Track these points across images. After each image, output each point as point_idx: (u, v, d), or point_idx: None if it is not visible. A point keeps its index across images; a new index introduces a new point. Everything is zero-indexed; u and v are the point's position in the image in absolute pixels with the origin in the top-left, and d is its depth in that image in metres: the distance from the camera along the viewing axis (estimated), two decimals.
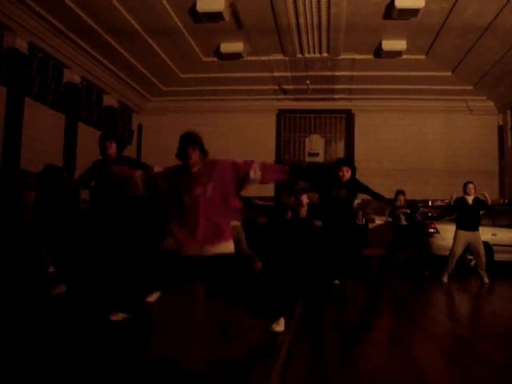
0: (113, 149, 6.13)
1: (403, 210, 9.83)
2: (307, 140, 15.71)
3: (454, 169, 14.30)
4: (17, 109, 9.81)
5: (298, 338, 4.01)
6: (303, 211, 8.67)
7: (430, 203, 13.36)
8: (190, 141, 4.12)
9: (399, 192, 9.87)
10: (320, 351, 3.68)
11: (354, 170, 6.95)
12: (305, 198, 8.59)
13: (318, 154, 15.38)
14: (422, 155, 14.88)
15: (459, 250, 8.63)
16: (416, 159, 14.83)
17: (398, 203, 9.65)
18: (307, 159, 15.31)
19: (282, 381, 2.95)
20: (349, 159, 7.21)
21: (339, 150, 15.66)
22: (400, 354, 3.64)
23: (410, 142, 14.99)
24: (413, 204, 10.18)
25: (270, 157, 15.43)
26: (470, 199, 8.77)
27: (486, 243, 10.15)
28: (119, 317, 4.03)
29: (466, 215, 8.71)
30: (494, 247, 10.29)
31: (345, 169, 6.75)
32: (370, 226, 12.98)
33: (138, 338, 4.07)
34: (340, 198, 6.71)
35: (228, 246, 3.99)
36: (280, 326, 4.01)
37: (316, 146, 15.47)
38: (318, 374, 3.12)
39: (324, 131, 15.80)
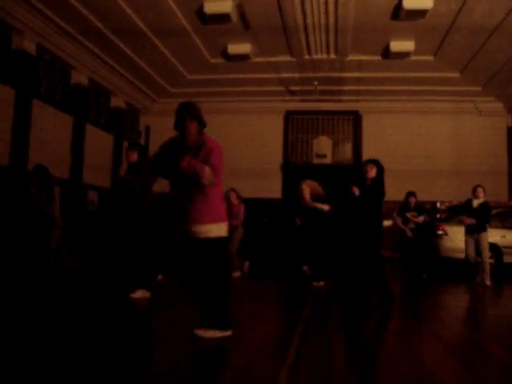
0: (134, 157, 6.38)
1: (411, 214, 9.74)
2: (315, 141, 15.68)
3: (463, 170, 14.22)
4: (25, 110, 9.85)
5: (305, 338, 3.99)
6: (307, 201, 8.46)
7: (438, 205, 13.31)
8: (188, 112, 4.03)
9: (410, 194, 9.85)
10: (328, 352, 3.66)
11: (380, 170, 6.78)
12: (306, 189, 8.38)
13: (325, 156, 15.35)
14: (430, 157, 14.80)
15: (471, 253, 8.61)
16: (424, 160, 14.75)
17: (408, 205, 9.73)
18: (315, 161, 15.29)
19: (290, 381, 2.94)
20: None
21: (347, 151, 15.60)
22: (408, 355, 3.62)
23: (418, 144, 14.92)
24: (421, 208, 10.11)
25: (277, 158, 15.43)
26: (476, 203, 8.70)
27: (494, 245, 10.11)
28: (138, 294, 4.06)
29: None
30: (503, 249, 10.23)
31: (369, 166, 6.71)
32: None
33: (144, 336, 4.07)
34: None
35: (210, 230, 3.92)
36: (207, 333, 3.89)
37: (323, 148, 15.44)
38: (326, 375, 3.10)
39: (332, 132, 15.75)
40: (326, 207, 7.96)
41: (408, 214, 9.76)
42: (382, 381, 3.08)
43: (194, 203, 3.94)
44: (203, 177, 3.78)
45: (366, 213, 6.53)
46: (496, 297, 7.99)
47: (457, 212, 9.32)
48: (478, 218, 8.61)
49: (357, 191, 6.63)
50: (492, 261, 10.14)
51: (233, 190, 9.88)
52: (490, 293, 8.11)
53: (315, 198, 8.24)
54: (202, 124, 4.07)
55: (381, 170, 6.73)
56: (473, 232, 8.62)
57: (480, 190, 8.78)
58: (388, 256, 10.08)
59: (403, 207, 9.96)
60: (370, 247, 6.39)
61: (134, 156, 6.35)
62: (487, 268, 8.54)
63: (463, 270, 9.03)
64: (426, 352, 3.78)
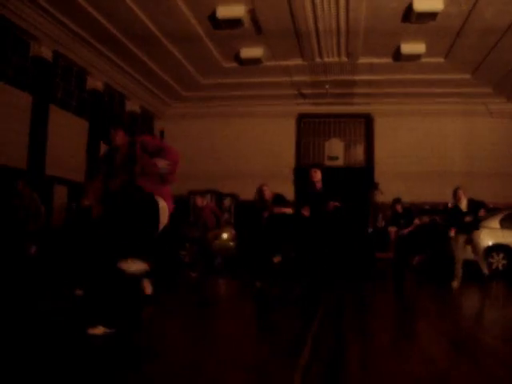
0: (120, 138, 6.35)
1: (402, 218, 9.83)
2: (327, 144, 15.76)
3: (474, 171, 14.19)
4: (42, 115, 10.06)
5: (319, 339, 4.04)
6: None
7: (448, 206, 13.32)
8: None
9: (396, 200, 10.00)
10: (341, 352, 3.70)
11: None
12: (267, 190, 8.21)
13: (337, 158, 15.42)
14: (441, 158, 14.79)
15: (461, 254, 8.52)
16: (436, 162, 14.74)
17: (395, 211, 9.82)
18: (327, 163, 15.34)
19: (304, 382, 2.98)
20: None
21: (359, 153, 15.65)
22: (421, 355, 3.63)
23: (430, 145, 14.92)
24: (409, 211, 10.18)
25: (289, 160, 15.51)
26: (462, 205, 8.60)
27: (507, 246, 10.09)
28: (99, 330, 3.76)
29: (462, 221, 8.57)
30: None
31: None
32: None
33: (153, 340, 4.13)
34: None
35: None
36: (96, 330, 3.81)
37: (335, 150, 15.52)
38: (340, 375, 3.15)
39: (343, 135, 15.82)
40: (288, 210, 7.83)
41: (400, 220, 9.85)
42: (395, 381, 3.11)
43: None
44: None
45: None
46: (508, 298, 7.97)
47: (450, 220, 9.14)
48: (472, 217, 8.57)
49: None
50: (504, 262, 10.14)
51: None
52: (500, 293, 8.10)
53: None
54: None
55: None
56: (465, 231, 8.48)
57: (461, 191, 8.66)
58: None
59: (394, 216, 10.04)
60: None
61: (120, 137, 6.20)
62: (482, 260, 8.57)
63: (473, 271, 8.99)
64: (437, 352, 3.80)
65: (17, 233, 8.19)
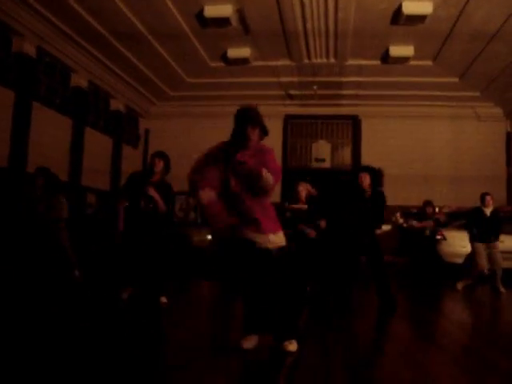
0: (159, 166, 6.41)
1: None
2: (314, 145, 15.71)
3: (462, 175, 14.24)
4: (24, 112, 9.84)
5: (303, 345, 3.97)
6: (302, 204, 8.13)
7: (436, 210, 13.30)
8: (250, 119, 3.89)
9: (427, 203, 10.09)
10: (328, 362, 3.63)
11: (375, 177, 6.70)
12: (303, 190, 8.07)
13: (324, 160, 15.37)
14: (429, 161, 14.81)
15: (485, 262, 8.50)
16: (423, 165, 14.76)
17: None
18: (314, 165, 15.30)
19: None
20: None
21: (346, 155, 15.61)
22: (411, 365, 3.60)
23: (417, 148, 14.92)
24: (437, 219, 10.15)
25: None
26: (487, 211, 8.66)
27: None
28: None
29: (484, 228, 8.62)
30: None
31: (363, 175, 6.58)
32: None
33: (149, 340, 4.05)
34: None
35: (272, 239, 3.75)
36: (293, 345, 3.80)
37: (322, 152, 15.47)
38: (325, 378, 3.09)
39: (331, 137, 15.77)
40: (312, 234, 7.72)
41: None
42: None
43: (252, 211, 3.77)
44: (262, 176, 3.67)
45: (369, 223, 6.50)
46: (500, 304, 7.96)
47: (469, 221, 9.10)
48: (494, 227, 8.62)
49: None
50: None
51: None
52: (495, 300, 8.08)
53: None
54: (265, 131, 4.07)
55: (376, 176, 6.61)
56: (486, 241, 8.57)
57: (489, 198, 8.76)
58: (390, 261, 10.05)
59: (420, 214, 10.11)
60: (375, 254, 6.36)
61: (161, 165, 6.37)
62: (500, 276, 8.53)
63: (461, 275, 9.00)
64: (426, 357, 3.77)
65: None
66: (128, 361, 3.43)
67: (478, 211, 8.82)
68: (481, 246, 8.57)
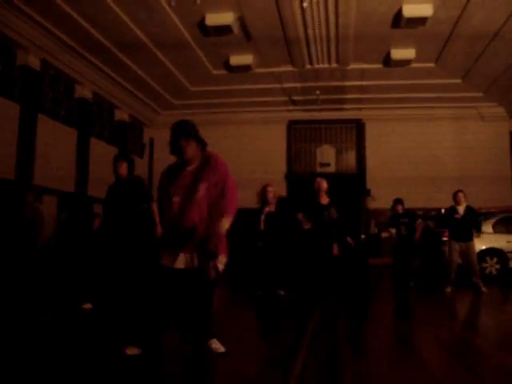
0: (123, 168, 6.15)
1: (402, 219, 9.42)
2: (318, 150, 15.75)
3: (466, 175, 14.21)
4: (30, 124, 9.95)
5: (311, 350, 3.99)
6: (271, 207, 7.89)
7: (442, 211, 13.30)
8: (183, 132, 3.65)
9: (397, 201, 9.59)
10: (334, 363, 3.65)
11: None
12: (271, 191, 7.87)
13: (329, 164, 15.40)
14: (433, 163, 14.82)
15: (455, 259, 8.34)
16: (428, 167, 14.76)
17: (395, 212, 9.51)
18: (318, 169, 15.32)
19: None
20: None
21: (350, 159, 15.64)
22: (415, 364, 3.61)
23: (422, 150, 14.93)
24: (411, 213, 9.92)
25: (281, 167, 15.48)
26: (460, 209, 8.46)
27: (500, 250, 10.08)
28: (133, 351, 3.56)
29: (457, 226, 8.41)
30: (508, 255, 10.18)
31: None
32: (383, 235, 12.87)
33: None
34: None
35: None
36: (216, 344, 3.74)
37: (327, 156, 15.51)
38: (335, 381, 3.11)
39: (335, 141, 15.81)
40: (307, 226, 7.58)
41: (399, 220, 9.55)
42: None
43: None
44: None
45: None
46: (503, 303, 7.94)
47: (443, 225, 8.94)
48: (467, 225, 8.39)
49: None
50: (498, 266, 10.12)
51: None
52: (493, 298, 8.05)
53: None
54: (202, 143, 3.73)
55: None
56: (460, 239, 8.34)
57: (461, 195, 8.54)
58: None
59: (394, 217, 9.65)
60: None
61: (124, 168, 6.13)
62: (478, 274, 8.34)
63: (446, 279, 8.86)
64: (429, 355, 3.79)
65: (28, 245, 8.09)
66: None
67: (451, 210, 8.64)
68: (455, 245, 8.36)
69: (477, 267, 8.37)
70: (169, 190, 3.67)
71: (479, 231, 8.82)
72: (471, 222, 8.45)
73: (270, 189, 7.56)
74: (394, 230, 9.50)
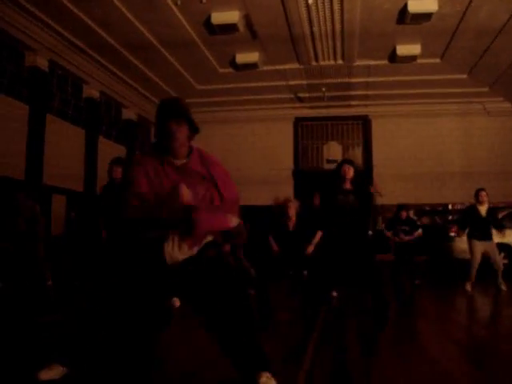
0: (118, 173, 6.25)
1: (402, 227, 9.35)
2: (325, 147, 15.79)
3: (473, 171, 14.20)
4: (39, 125, 10.04)
5: (320, 348, 4.01)
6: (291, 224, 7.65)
7: (449, 207, 13.31)
8: (174, 112, 2.92)
9: (402, 207, 9.56)
10: (343, 361, 3.66)
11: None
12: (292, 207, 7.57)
13: (336, 161, 15.39)
14: (440, 159, 14.81)
15: (478, 258, 8.26)
16: (434, 163, 14.76)
17: (397, 217, 9.52)
18: (325, 166, 15.34)
19: None
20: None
21: (357, 156, 15.64)
22: (425, 360, 3.61)
23: (428, 146, 14.93)
24: (413, 221, 9.81)
25: (288, 164, 15.51)
26: (482, 209, 8.35)
27: (508, 245, 10.06)
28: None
29: (479, 226, 8.31)
30: None
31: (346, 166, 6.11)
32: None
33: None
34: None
35: None
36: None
37: (334, 153, 15.53)
38: (342, 382, 3.13)
39: (341, 138, 15.84)
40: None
41: (398, 227, 9.50)
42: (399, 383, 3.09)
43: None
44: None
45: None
46: (507, 297, 7.93)
47: (464, 226, 8.79)
48: (489, 226, 8.32)
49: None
50: (506, 261, 10.09)
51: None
52: (503, 294, 8.04)
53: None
54: (195, 129, 3.01)
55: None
56: (484, 239, 8.24)
57: (484, 194, 8.38)
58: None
59: (393, 221, 9.68)
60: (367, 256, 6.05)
61: (119, 173, 6.20)
62: (501, 273, 8.33)
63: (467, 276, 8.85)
64: (444, 357, 3.77)
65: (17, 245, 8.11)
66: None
67: (472, 209, 8.48)
68: (477, 243, 8.27)
69: (501, 267, 8.34)
70: (146, 190, 2.86)
71: (503, 228, 8.60)
72: (493, 222, 8.40)
73: (290, 204, 7.42)
74: (389, 233, 9.55)
